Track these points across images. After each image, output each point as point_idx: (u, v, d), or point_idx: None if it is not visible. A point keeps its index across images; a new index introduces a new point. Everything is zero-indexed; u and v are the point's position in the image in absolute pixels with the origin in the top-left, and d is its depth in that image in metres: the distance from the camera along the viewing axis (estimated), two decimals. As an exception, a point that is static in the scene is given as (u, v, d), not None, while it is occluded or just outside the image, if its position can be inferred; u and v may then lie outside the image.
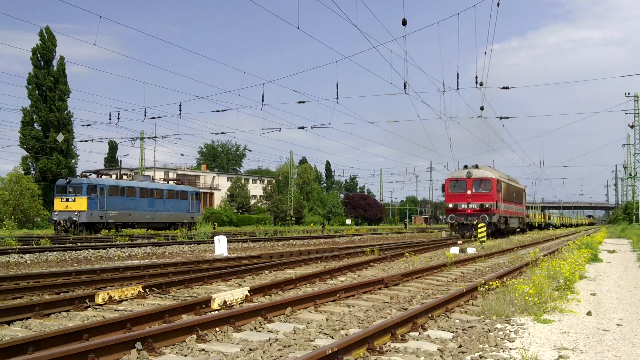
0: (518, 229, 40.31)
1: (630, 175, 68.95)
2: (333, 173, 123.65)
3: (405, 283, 10.73)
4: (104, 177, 40.22)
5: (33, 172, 54.85)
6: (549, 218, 63.72)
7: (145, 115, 30.18)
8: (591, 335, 6.21)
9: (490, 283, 9.68)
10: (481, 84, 22.47)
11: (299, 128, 36.77)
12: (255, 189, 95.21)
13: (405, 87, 21.81)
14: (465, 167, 33.79)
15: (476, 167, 33.46)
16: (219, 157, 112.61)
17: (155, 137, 42.24)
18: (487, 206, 31.47)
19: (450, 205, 32.34)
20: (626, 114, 61.74)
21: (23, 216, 47.09)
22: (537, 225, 53.60)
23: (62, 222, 35.14)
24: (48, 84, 53.74)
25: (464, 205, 31.69)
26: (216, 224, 59.46)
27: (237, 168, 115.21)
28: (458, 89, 23.19)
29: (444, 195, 34.19)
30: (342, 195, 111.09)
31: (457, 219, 31.67)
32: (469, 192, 31.90)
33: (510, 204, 37.52)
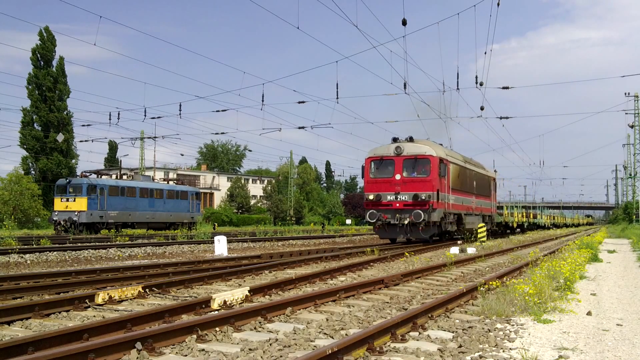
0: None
1: (630, 175, 68.96)
2: (333, 173, 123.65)
3: (405, 283, 10.73)
4: (104, 177, 40.25)
5: (33, 172, 54.86)
6: (534, 217, 53.06)
7: (145, 115, 30.17)
8: (591, 335, 6.21)
9: (490, 283, 9.68)
10: (481, 84, 22.48)
11: (299, 128, 36.79)
12: (255, 189, 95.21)
13: (405, 87, 21.81)
14: (395, 140, 23.09)
15: (410, 140, 23.07)
16: (219, 157, 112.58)
17: (155, 137, 42.27)
18: (423, 198, 21.49)
19: (371, 197, 22.21)
20: (626, 114, 61.82)
21: (23, 216, 47.12)
22: (515, 226, 42.33)
23: (62, 222, 35.15)
24: (48, 84, 53.74)
25: (390, 197, 21.99)
26: (216, 224, 59.48)
27: (237, 168, 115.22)
28: (458, 89, 23.18)
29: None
30: (342, 195, 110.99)
31: (380, 217, 21.92)
32: (397, 176, 22.03)
33: (468, 196, 27.01)
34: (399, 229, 21.65)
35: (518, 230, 44.43)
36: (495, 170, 37.80)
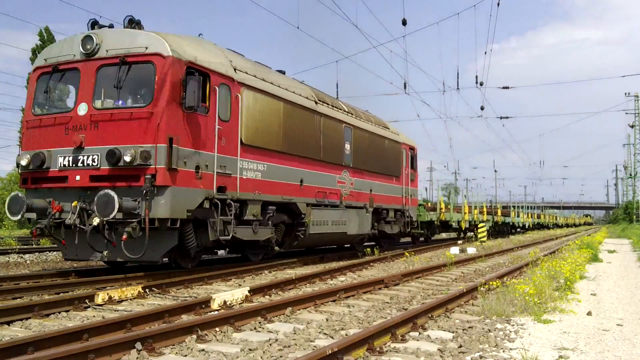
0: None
1: (631, 175, 69.00)
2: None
3: (405, 283, 10.72)
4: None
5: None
6: (506, 216, 40.38)
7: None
8: (591, 335, 6.21)
9: (491, 283, 9.68)
10: (481, 84, 22.47)
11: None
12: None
13: (405, 87, 21.74)
14: (94, 24, 10.41)
15: (131, 25, 10.27)
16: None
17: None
18: (129, 160, 9.26)
19: (24, 162, 10.12)
20: (626, 114, 61.97)
21: (23, 216, 47.04)
22: (463, 228, 29.32)
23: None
24: (48, 84, 53.56)
25: (62, 159, 9.86)
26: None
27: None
28: (458, 89, 23.16)
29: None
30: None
31: (44, 210, 9.80)
32: (81, 109, 9.84)
33: (316, 167, 14.38)
34: (79, 238, 9.46)
35: (519, 230, 44.22)
36: (414, 143, 22.21)
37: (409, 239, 24.95)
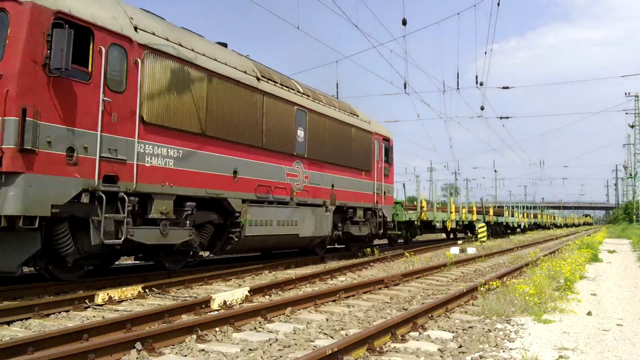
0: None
1: (631, 175, 68.97)
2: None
3: (405, 283, 10.72)
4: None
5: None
6: (499, 216, 37.93)
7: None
8: (591, 335, 6.21)
9: (491, 283, 9.69)
10: (481, 84, 22.45)
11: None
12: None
13: (405, 87, 21.77)
14: None
15: None
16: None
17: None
18: None
19: None
20: (626, 114, 61.95)
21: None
22: (449, 229, 27.74)
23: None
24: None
25: None
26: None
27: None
28: (458, 89, 23.17)
29: None
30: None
31: None
32: None
33: (273, 158, 12.77)
34: None
35: (518, 230, 44.08)
36: (388, 132, 19.82)
37: (385, 241, 22.63)
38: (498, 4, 17.75)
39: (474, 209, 30.85)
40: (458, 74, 23.24)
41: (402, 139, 59.41)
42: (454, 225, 26.34)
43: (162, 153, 9.47)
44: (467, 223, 29.10)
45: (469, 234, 31.32)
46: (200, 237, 10.80)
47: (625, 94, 61.11)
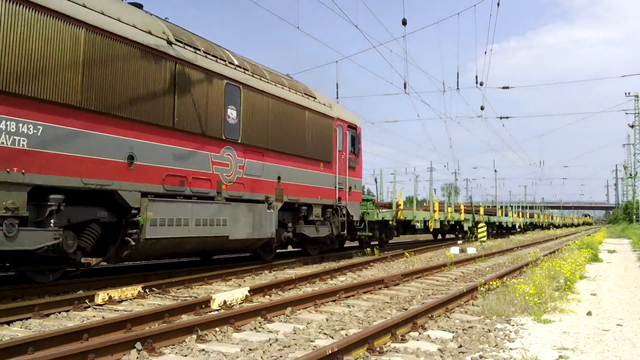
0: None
1: (631, 175, 69.02)
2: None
3: (405, 283, 10.73)
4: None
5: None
6: (491, 215, 35.90)
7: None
8: (591, 335, 6.21)
9: (491, 283, 9.69)
10: (481, 84, 22.45)
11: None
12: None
13: (405, 87, 21.77)
14: None
15: None
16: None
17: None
18: None
19: None
20: (626, 114, 62.00)
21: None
22: (431, 229, 24.50)
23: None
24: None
25: None
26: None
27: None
28: (458, 89, 23.17)
29: None
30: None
31: None
32: None
33: (190, 142, 10.41)
34: None
35: (518, 230, 43.95)
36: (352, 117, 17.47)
37: (356, 243, 20.14)
38: (498, 4, 17.75)
39: (462, 207, 29.00)
40: (458, 73, 23.26)
41: (402, 139, 59.56)
42: (437, 226, 24.12)
43: (8, 128, 7.17)
44: (453, 223, 27.10)
45: (458, 234, 30.06)
46: (79, 240, 8.58)
47: (625, 94, 61.26)
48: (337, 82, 23.52)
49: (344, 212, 15.99)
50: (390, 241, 21.84)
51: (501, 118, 31.85)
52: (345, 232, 16.24)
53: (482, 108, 27.00)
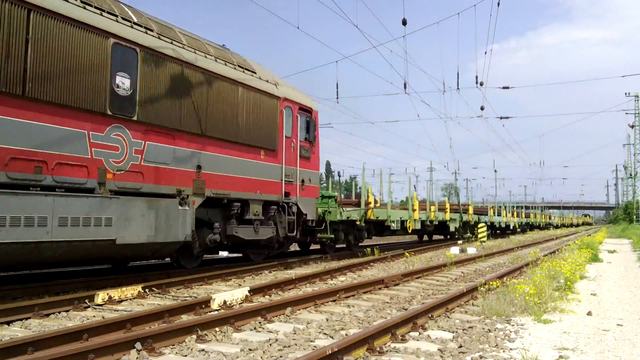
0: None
1: (631, 175, 68.99)
2: (333, 173, 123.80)
3: (405, 283, 10.72)
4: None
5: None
6: (482, 215, 33.27)
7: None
8: (592, 335, 6.21)
9: (491, 283, 9.69)
10: (481, 84, 22.44)
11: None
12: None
13: (405, 87, 21.77)
14: None
15: None
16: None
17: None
18: None
19: None
20: (626, 114, 61.94)
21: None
22: (410, 230, 21.63)
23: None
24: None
25: None
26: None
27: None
28: (458, 89, 23.15)
29: None
30: (342, 195, 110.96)
31: None
32: None
33: (50, 115, 7.84)
34: None
35: (519, 230, 43.84)
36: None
37: (317, 247, 17.60)
38: (498, 4, 17.74)
39: (447, 206, 26.56)
40: (458, 74, 23.21)
41: (402, 139, 59.57)
42: (417, 226, 21.55)
43: None
44: (437, 223, 24.54)
45: (447, 236, 28.68)
46: None
47: (625, 94, 61.30)
48: (337, 82, 23.50)
49: (294, 210, 13.62)
50: (360, 244, 19.02)
51: (501, 118, 31.84)
52: (296, 233, 13.72)
53: (482, 108, 26.99)
